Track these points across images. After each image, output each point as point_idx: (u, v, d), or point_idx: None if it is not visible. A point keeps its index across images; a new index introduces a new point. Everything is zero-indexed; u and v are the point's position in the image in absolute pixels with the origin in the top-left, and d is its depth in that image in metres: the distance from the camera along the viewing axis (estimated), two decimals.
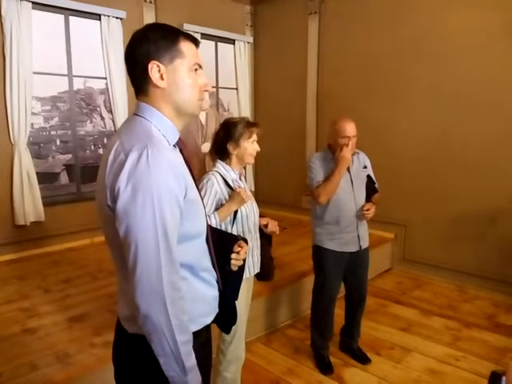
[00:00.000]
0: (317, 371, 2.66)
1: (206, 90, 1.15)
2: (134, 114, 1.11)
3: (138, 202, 0.95)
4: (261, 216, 2.14)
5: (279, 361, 2.78)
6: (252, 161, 2.04)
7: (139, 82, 1.09)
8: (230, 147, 1.98)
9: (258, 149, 2.04)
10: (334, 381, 2.57)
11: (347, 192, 2.53)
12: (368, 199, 2.60)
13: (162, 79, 1.07)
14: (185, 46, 1.08)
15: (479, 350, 2.86)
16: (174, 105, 1.10)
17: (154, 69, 1.06)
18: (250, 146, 2.00)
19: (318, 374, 2.63)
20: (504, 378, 0.57)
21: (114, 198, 0.98)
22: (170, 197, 0.98)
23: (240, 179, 2.06)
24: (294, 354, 2.85)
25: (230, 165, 2.02)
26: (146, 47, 1.05)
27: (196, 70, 1.11)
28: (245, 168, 2.17)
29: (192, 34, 1.14)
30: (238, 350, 2.09)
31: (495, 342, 2.96)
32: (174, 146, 1.13)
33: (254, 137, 2.02)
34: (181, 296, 1.02)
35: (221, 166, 2.01)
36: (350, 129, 2.46)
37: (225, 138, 1.99)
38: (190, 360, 1.03)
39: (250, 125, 2.01)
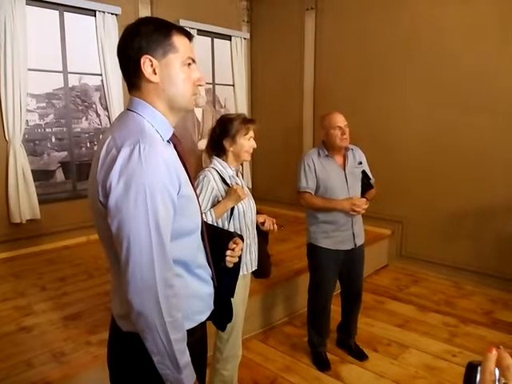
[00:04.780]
0: (314, 368, 2.66)
1: (200, 85, 1.13)
2: (127, 109, 1.10)
3: (130, 197, 0.94)
4: (258, 213, 2.13)
5: (276, 358, 2.78)
6: (248, 158, 2.03)
7: (132, 77, 1.08)
8: (226, 144, 1.97)
9: (255, 145, 2.03)
10: (331, 377, 2.57)
11: (342, 190, 2.52)
12: (363, 195, 2.59)
13: (155, 74, 1.05)
14: (178, 40, 1.07)
15: (476, 345, 2.86)
16: (167, 99, 1.08)
17: (146, 63, 1.04)
18: (246, 142, 1.98)
19: (315, 371, 2.63)
20: (479, 368, 0.57)
21: (106, 194, 0.96)
22: (162, 192, 0.97)
23: (237, 176, 2.05)
24: (291, 351, 2.85)
25: (226, 161, 2.00)
26: (138, 41, 1.04)
27: (189, 64, 1.09)
28: (242, 165, 2.15)
29: (188, 29, 1.12)
30: (235, 348, 2.09)
31: (492, 338, 2.96)
32: (168, 141, 1.11)
33: (251, 133, 2.00)
34: (174, 293, 1.00)
35: (217, 162, 2.00)
36: (339, 119, 2.49)
37: (221, 134, 1.98)
38: (184, 358, 1.02)
39: (246, 121, 1.99)
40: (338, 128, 2.47)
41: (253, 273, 2.13)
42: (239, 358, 2.14)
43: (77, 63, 4.19)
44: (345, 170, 2.56)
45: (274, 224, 2.12)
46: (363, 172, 2.63)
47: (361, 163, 2.65)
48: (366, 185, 2.60)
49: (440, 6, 3.87)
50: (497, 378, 0.56)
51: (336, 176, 2.54)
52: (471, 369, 0.58)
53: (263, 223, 2.10)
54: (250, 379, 2.53)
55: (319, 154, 2.58)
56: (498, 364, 0.56)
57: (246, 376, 2.50)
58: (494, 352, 0.57)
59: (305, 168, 2.55)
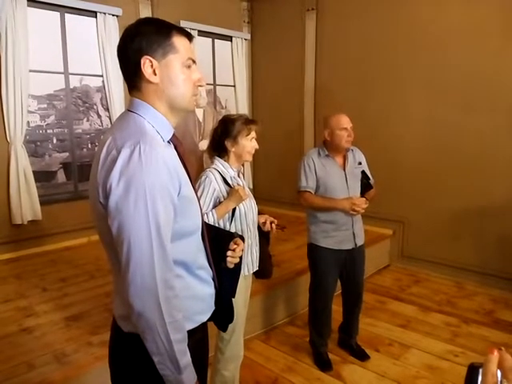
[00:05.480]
0: (315, 368, 2.66)
1: (200, 85, 1.13)
2: (128, 109, 1.10)
3: (130, 198, 0.94)
4: (259, 213, 2.13)
5: (278, 358, 2.78)
6: (250, 158, 2.03)
7: (132, 78, 1.08)
8: (227, 144, 1.97)
9: (257, 146, 2.03)
10: (333, 378, 2.56)
11: (342, 190, 2.53)
12: (362, 195, 2.59)
13: (155, 74, 1.05)
14: (178, 40, 1.07)
15: (478, 345, 2.86)
16: (168, 100, 1.08)
17: (146, 64, 1.04)
18: (248, 143, 1.98)
19: (316, 371, 2.63)
20: (481, 370, 0.56)
21: (106, 195, 0.96)
22: (162, 193, 0.97)
23: (238, 176, 2.05)
24: (292, 352, 2.85)
25: (228, 162, 2.00)
26: (139, 42, 1.04)
27: (190, 65, 1.09)
28: (243, 165, 2.15)
29: (189, 30, 1.12)
30: (237, 348, 2.08)
31: (494, 338, 2.95)
32: (169, 142, 1.11)
33: (253, 134, 2.00)
34: (175, 294, 1.00)
35: (219, 163, 2.00)
36: (345, 121, 2.51)
37: (223, 134, 1.98)
38: (185, 358, 1.02)
39: (248, 122, 1.99)
40: (344, 129, 2.48)
41: (254, 273, 2.13)
42: (241, 359, 2.13)
43: (78, 64, 4.20)
44: (345, 170, 2.56)
45: (273, 224, 2.11)
46: (363, 172, 2.63)
47: (360, 163, 2.65)
48: (366, 185, 2.61)
49: (441, 6, 3.86)
50: (499, 379, 0.55)
51: (336, 176, 2.54)
52: (473, 370, 0.57)
53: (264, 223, 2.10)
54: (251, 379, 2.53)
55: (319, 153, 2.58)
56: (500, 365, 0.56)
57: (247, 376, 2.50)
58: (496, 353, 0.56)
59: (305, 168, 2.56)
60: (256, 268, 2.09)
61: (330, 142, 2.55)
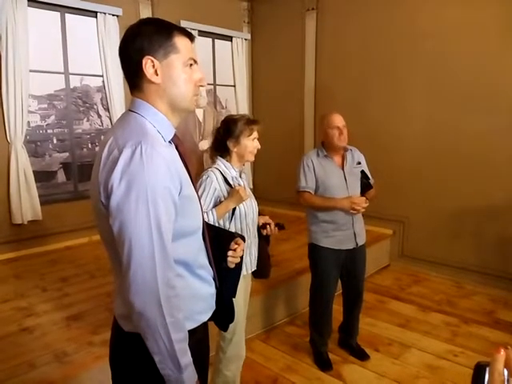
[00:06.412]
0: (316, 368, 2.66)
1: (202, 86, 1.14)
2: (129, 109, 1.10)
3: (131, 198, 0.94)
4: (259, 214, 2.13)
5: (278, 358, 2.78)
6: (252, 158, 2.04)
7: (133, 78, 1.08)
8: (230, 144, 1.97)
9: (259, 146, 2.03)
10: (333, 377, 2.56)
11: (341, 189, 2.53)
12: (362, 195, 2.59)
13: (157, 74, 1.05)
14: (179, 40, 1.07)
15: (478, 345, 2.86)
16: (169, 100, 1.09)
17: (148, 64, 1.04)
18: (250, 143, 1.99)
19: (316, 371, 2.63)
20: (488, 369, 0.57)
21: (108, 195, 0.97)
22: (164, 193, 0.97)
23: (240, 177, 2.05)
24: (292, 351, 2.85)
25: (230, 162, 2.01)
26: (140, 42, 1.04)
27: (191, 65, 1.10)
28: (243, 165, 2.15)
29: (189, 30, 1.12)
30: (238, 348, 2.08)
31: (494, 338, 2.96)
32: (170, 142, 1.12)
33: (255, 134, 2.01)
34: (175, 293, 1.01)
35: (221, 163, 2.00)
36: (337, 119, 2.52)
37: (225, 135, 1.99)
38: (186, 358, 1.02)
39: (250, 122, 2.00)
40: (336, 128, 2.49)
41: (252, 273, 2.13)
42: (242, 359, 2.13)
43: (78, 64, 4.21)
44: (343, 170, 2.57)
45: (272, 228, 2.10)
46: (362, 172, 2.64)
47: (359, 163, 2.66)
48: (366, 185, 2.61)
49: (441, 6, 3.86)
50: (506, 378, 0.56)
51: (335, 175, 2.55)
52: (479, 369, 0.58)
53: (263, 227, 2.09)
54: (251, 379, 2.53)
55: (318, 154, 2.60)
56: (507, 364, 0.56)
57: (247, 376, 2.49)
58: (502, 352, 0.57)
59: (304, 168, 2.57)
60: (254, 268, 2.09)
61: (326, 142, 2.57)
